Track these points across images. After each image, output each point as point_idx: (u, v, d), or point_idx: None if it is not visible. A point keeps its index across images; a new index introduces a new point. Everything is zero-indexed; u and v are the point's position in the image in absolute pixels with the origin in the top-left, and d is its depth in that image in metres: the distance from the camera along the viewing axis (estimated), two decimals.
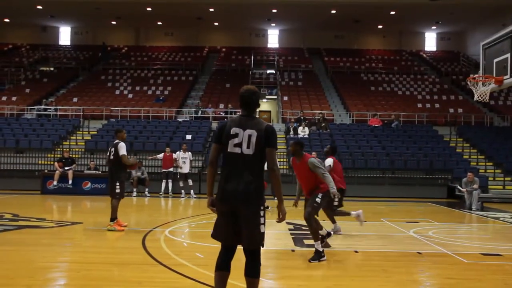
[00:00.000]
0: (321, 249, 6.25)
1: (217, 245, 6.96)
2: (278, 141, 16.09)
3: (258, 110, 3.97)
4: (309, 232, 6.46)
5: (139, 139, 19.24)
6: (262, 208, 3.63)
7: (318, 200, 6.45)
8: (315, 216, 6.55)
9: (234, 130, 3.62)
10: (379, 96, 25.85)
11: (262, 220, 3.63)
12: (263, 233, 3.66)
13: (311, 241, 7.43)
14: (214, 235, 3.79)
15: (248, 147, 3.58)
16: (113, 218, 8.30)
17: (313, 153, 16.06)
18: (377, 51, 34.23)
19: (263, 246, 3.71)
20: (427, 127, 21.63)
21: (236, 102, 24.01)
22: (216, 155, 3.73)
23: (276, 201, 3.75)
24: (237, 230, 3.65)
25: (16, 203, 12.97)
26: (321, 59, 32.74)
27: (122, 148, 8.25)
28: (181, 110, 23.84)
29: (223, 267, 3.74)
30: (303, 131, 19.85)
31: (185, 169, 15.59)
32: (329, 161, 8.45)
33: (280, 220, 3.77)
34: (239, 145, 3.59)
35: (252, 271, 3.69)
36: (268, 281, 5.19)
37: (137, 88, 26.36)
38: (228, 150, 3.62)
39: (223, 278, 3.74)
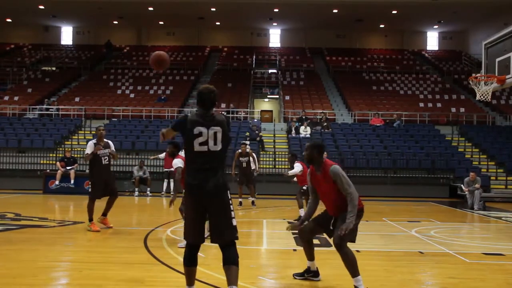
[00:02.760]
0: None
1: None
2: (280, 141, 16.26)
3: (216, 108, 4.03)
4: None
5: (141, 138, 19.27)
6: (230, 202, 3.76)
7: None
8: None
9: (197, 129, 3.71)
10: (381, 95, 25.82)
11: (232, 214, 3.78)
12: (236, 226, 3.81)
13: (313, 241, 7.43)
14: (186, 236, 3.89)
15: (215, 144, 3.71)
16: (89, 219, 8.23)
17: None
18: (379, 50, 34.18)
19: (237, 239, 3.84)
20: (429, 127, 21.60)
21: (237, 102, 24.06)
22: (171, 133, 3.87)
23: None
24: (202, 223, 3.84)
25: (18, 202, 13.00)
26: (323, 58, 32.73)
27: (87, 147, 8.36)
28: (183, 110, 23.84)
29: (191, 263, 3.91)
30: (305, 131, 19.85)
31: None
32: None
33: None
34: (205, 143, 3.70)
35: (229, 259, 3.76)
36: (270, 280, 5.19)
37: (139, 87, 26.39)
38: (195, 150, 3.71)
39: (193, 273, 3.94)
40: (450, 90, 26.63)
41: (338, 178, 4.58)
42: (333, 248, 6.94)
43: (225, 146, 3.78)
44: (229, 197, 3.77)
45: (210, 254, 6.28)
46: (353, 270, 4.64)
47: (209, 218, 3.76)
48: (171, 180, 15.86)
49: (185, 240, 3.90)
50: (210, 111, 3.86)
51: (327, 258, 6.43)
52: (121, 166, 17.64)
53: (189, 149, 3.75)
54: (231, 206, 3.77)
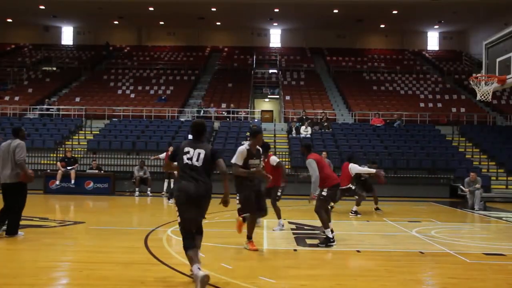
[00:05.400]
0: (330, 235, 7.10)
1: (218, 245, 6.98)
2: (281, 141, 16.37)
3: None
4: (310, 231, 6.58)
5: (141, 138, 19.27)
6: (208, 204, 5.02)
7: (323, 193, 7.33)
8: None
9: (186, 148, 5.06)
10: (382, 95, 25.82)
11: (205, 211, 5.06)
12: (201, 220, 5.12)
13: (313, 241, 7.47)
14: (182, 224, 4.97)
15: (197, 160, 4.98)
16: (249, 236, 6.83)
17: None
18: (379, 50, 34.17)
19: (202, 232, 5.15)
20: (429, 127, 21.58)
21: (238, 102, 24.07)
22: (170, 164, 5.37)
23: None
24: (193, 218, 4.97)
25: None
26: (323, 58, 32.72)
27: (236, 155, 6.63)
28: (183, 110, 23.86)
29: (192, 245, 4.88)
30: (305, 131, 19.84)
31: None
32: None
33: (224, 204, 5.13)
34: (191, 159, 5.00)
35: (199, 232, 5.07)
36: (271, 280, 5.18)
37: (139, 87, 26.40)
38: (184, 162, 5.01)
39: (196, 253, 4.86)
40: (451, 90, 26.62)
41: (308, 166, 7.36)
42: (335, 249, 6.97)
43: (206, 164, 4.97)
44: (208, 201, 4.98)
45: (210, 254, 6.29)
46: (325, 224, 7.19)
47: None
48: (171, 181, 15.85)
49: (182, 229, 4.96)
50: (199, 138, 5.15)
51: (327, 258, 6.43)
52: (122, 166, 17.65)
53: (180, 162, 5.04)
54: (208, 206, 5.00)
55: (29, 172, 7.31)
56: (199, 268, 4.64)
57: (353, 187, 11.22)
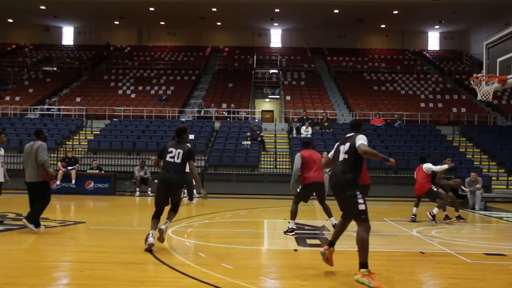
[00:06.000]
0: (290, 226, 8.08)
1: (219, 245, 6.99)
2: (281, 141, 16.46)
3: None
4: (311, 231, 6.61)
5: (142, 138, 19.29)
6: (182, 192, 6.26)
7: (298, 189, 8.20)
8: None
9: (170, 149, 6.59)
10: (382, 95, 25.81)
11: (181, 195, 6.70)
12: (180, 204, 6.80)
13: (314, 241, 7.48)
14: (156, 202, 6.69)
15: (177, 158, 6.52)
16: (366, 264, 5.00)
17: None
18: (380, 50, 34.18)
19: (178, 208, 6.80)
20: (430, 127, 21.58)
21: (238, 102, 24.07)
22: (158, 162, 6.73)
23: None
24: (167, 198, 6.67)
25: (20, 202, 12.97)
26: (323, 58, 32.73)
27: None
28: (184, 110, 23.88)
29: (157, 217, 6.61)
30: (306, 131, 19.83)
31: (187, 169, 15.60)
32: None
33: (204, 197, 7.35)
34: (173, 157, 6.54)
35: (174, 210, 6.74)
36: (271, 280, 5.19)
37: (140, 87, 26.41)
38: (166, 159, 6.56)
39: (156, 223, 6.53)
40: (451, 90, 26.61)
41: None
42: (335, 249, 6.94)
43: (183, 162, 6.52)
44: (182, 189, 6.54)
45: (210, 254, 6.29)
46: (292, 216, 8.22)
47: (170, 196, 6.61)
48: None
49: (155, 204, 6.66)
50: (180, 139, 6.63)
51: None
52: (122, 166, 17.66)
53: (164, 159, 6.58)
54: (182, 194, 6.09)
55: (51, 172, 7.98)
56: (152, 234, 6.35)
57: (435, 189, 10.35)
